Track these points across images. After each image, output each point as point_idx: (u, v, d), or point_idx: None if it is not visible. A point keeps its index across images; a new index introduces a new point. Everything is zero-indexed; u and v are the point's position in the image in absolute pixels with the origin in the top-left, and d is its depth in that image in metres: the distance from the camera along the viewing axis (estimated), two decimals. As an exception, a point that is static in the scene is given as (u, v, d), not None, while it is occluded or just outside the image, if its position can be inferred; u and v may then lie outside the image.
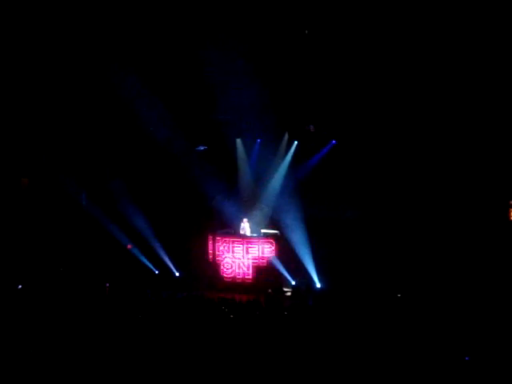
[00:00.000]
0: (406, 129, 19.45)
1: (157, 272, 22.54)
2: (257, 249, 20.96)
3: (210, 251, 21.57)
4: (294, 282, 21.27)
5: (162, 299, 17.97)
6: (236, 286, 20.76)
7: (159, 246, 22.41)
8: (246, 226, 21.67)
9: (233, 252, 21.21)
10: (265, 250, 20.92)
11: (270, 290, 19.80)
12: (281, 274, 21.19)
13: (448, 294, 17.30)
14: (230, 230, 21.91)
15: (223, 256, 21.37)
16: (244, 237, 21.40)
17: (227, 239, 21.36)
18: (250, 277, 21.15)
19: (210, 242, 21.61)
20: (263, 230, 21.81)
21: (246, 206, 22.28)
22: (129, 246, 22.62)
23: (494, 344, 12.61)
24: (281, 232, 21.61)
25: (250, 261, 21.13)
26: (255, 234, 21.65)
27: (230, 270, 21.33)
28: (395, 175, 20.13)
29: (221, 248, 21.38)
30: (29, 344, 12.75)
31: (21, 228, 22.23)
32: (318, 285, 21.12)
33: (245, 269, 21.17)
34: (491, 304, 15.84)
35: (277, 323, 14.86)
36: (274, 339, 13.38)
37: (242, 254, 21.10)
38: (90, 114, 21.47)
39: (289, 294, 21.03)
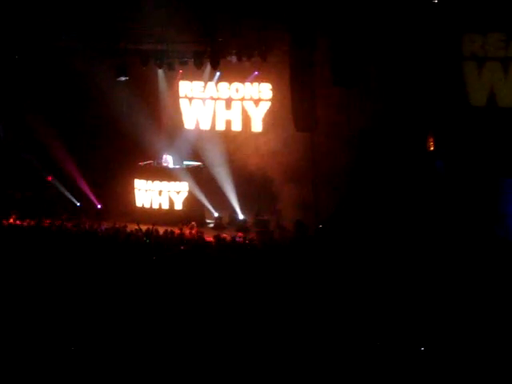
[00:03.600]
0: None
1: (78, 204, 22.35)
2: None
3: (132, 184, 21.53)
4: (216, 214, 21.40)
5: (85, 231, 17.93)
6: (158, 217, 20.72)
7: (81, 177, 22.13)
8: (168, 159, 21.56)
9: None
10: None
11: (193, 222, 19.95)
12: (203, 206, 21.30)
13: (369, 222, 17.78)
14: (152, 162, 21.78)
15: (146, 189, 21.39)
16: (167, 169, 21.40)
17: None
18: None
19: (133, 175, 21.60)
20: (186, 162, 21.77)
21: (169, 138, 22.11)
22: (49, 178, 22.31)
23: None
24: (204, 164, 21.61)
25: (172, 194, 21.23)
26: (178, 166, 21.60)
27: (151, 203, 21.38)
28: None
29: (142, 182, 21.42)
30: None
31: None
32: (241, 216, 21.31)
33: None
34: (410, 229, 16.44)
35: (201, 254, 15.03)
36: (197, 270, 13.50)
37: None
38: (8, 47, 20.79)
39: (211, 225, 21.18)
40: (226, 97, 21.71)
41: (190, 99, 22.07)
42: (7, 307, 11.65)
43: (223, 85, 21.63)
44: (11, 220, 19.61)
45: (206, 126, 22.09)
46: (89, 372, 9.39)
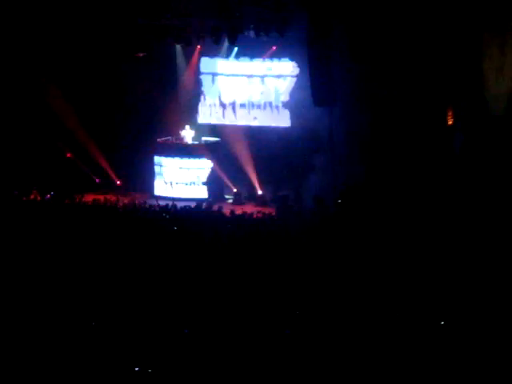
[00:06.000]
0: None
1: (97, 181, 22.44)
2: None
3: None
4: (235, 189, 21.41)
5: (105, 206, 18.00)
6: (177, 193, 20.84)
7: (100, 154, 22.18)
8: (186, 134, 21.58)
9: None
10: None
11: (210, 199, 20.01)
12: (222, 181, 21.32)
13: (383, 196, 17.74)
14: (170, 137, 21.79)
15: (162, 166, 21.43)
16: (185, 145, 21.40)
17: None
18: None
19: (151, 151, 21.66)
20: (204, 138, 21.79)
21: (187, 113, 22.11)
22: (68, 155, 22.40)
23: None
24: (222, 139, 21.60)
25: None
26: (196, 142, 21.62)
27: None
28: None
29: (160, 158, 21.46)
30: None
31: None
32: (260, 191, 21.31)
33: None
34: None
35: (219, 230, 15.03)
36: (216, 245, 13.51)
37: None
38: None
39: (230, 201, 21.22)
40: (246, 72, 21.66)
41: (210, 75, 22.06)
42: (25, 281, 11.70)
43: (243, 60, 21.58)
44: (32, 196, 19.71)
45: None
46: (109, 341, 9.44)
